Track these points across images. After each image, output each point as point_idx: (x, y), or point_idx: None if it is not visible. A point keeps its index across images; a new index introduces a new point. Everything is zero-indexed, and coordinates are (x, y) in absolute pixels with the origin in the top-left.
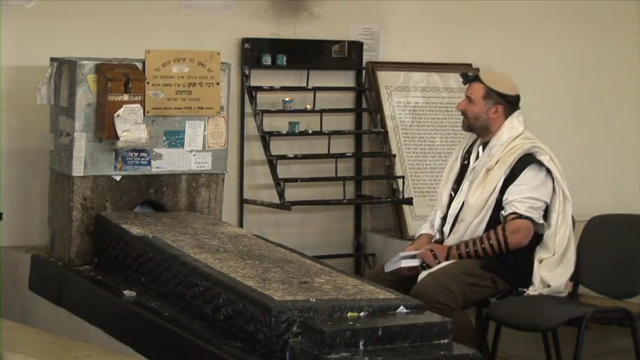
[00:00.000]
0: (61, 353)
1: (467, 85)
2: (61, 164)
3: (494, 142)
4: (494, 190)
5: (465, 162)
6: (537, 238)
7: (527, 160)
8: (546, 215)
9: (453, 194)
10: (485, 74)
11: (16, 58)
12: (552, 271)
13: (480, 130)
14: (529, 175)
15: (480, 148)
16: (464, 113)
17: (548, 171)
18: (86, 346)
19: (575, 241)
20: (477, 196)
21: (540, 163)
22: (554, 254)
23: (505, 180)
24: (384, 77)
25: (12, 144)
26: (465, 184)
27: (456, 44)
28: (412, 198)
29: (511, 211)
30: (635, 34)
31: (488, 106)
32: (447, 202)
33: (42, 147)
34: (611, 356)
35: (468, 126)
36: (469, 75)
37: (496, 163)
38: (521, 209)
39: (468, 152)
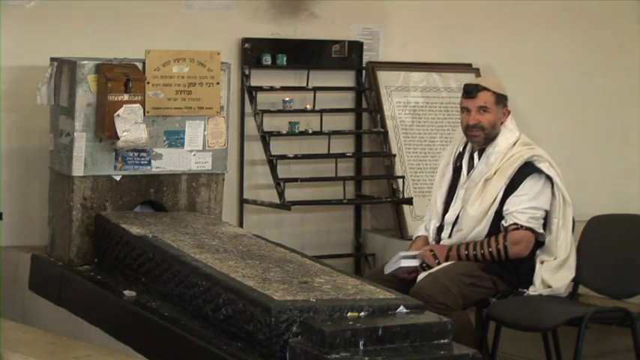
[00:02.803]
0: (61, 353)
1: (471, 98)
2: (61, 164)
3: (491, 150)
4: (494, 201)
5: (458, 164)
6: (538, 243)
7: (527, 169)
8: (547, 221)
9: (448, 201)
10: (486, 81)
11: (16, 58)
12: (554, 274)
13: (492, 139)
14: (529, 184)
15: (476, 155)
16: (478, 126)
17: (548, 177)
18: (86, 346)
19: (575, 242)
20: (477, 207)
21: (540, 171)
22: (555, 258)
23: (505, 191)
24: (384, 77)
25: (12, 144)
26: (460, 192)
27: (456, 44)
28: (412, 198)
29: (512, 222)
30: (635, 34)
31: (501, 111)
32: (442, 211)
33: (42, 147)
34: (611, 356)
35: (485, 138)
36: (476, 85)
37: (495, 173)
38: (522, 220)
39: (460, 157)
